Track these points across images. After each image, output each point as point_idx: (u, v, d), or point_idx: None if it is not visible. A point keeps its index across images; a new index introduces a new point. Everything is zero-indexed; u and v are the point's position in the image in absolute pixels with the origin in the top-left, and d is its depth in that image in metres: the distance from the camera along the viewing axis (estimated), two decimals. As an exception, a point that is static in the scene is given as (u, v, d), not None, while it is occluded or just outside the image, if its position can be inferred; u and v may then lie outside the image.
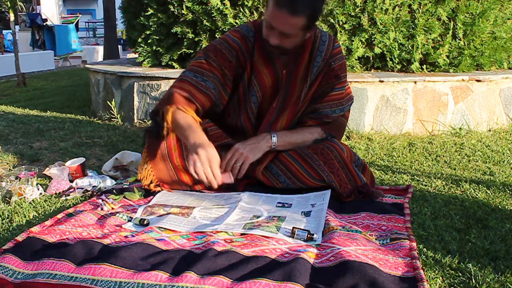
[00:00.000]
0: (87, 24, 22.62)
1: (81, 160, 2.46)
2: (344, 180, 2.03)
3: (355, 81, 3.37)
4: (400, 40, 3.59)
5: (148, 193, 2.13)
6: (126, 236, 1.67)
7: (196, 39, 3.88)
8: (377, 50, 3.61)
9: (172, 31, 3.97)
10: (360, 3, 3.54)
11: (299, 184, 2.08)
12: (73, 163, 2.43)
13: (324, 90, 2.15)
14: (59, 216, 1.87)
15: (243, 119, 2.19)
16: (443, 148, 2.97)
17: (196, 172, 1.79)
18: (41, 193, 2.19)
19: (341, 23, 3.58)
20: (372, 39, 3.59)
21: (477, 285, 1.35)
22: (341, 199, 2.02)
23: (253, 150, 2.06)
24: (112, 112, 4.04)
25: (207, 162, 1.79)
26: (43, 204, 2.08)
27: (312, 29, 2.02)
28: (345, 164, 2.04)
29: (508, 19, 3.93)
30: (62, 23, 15.31)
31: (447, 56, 3.68)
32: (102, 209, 1.94)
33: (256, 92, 2.14)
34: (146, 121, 3.82)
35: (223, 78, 2.10)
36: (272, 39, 1.96)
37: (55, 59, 11.70)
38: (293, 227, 1.66)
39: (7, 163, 2.74)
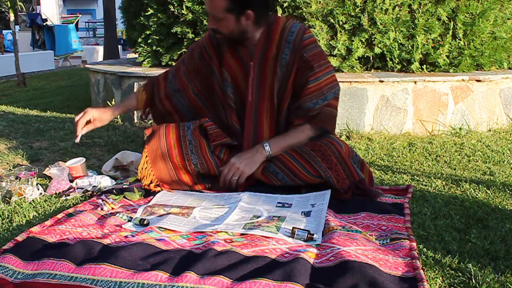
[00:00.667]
0: (87, 24, 22.61)
1: (81, 160, 2.46)
2: (342, 175, 2.02)
3: (355, 81, 3.37)
4: (400, 40, 3.59)
5: (148, 193, 2.13)
6: (126, 236, 1.67)
7: (196, 39, 3.88)
8: (377, 50, 3.61)
9: (172, 31, 3.97)
10: (360, 3, 3.54)
11: (297, 181, 2.08)
12: (73, 163, 2.43)
13: (300, 82, 2.15)
14: (59, 216, 1.87)
15: (228, 115, 2.24)
16: (443, 148, 2.97)
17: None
18: (41, 193, 2.19)
19: (341, 23, 3.58)
20: (372, 39, 3.59)
21: (477, 285, 1.35)
22: (339, 195, 2.01)
23: (249, 164, 2.10)
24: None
25: (82, 114, 2.26)
26: (43, 204, 2.08)
27: (244, 15, 2.07)
28: (343, 160, 2.04)
29: (508, 19, 3.93)
30: (62, 23, 15.31)
31: (447, 56, 3.68)
32: (102, 209, 1.94)
33: (230, 83, 2.21)
34: (146, 121, 3.82)
35: (188, 74, 2.33)
36: (208, 23, 2.15)
37: (55, 59, 11.70)
38: (293, 227, 1.66)
39: (7, 163, 2.74)
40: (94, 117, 2.29)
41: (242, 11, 2.07)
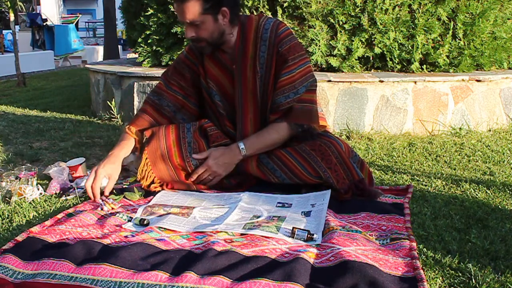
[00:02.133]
0: (87, 24, 22.61)
1: (81, 160, 2.46)
2: (341, 175, 2.02)
3: (355, 81, 3.37)
4: (400, 40, 3.59)
5: (148, 193, 2.13)
6: (126, 236, 1.67)
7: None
8: (377, 50, 3.61)
9: (172, 31, 3.97)
10: (360, 3, 3.54)
11: (295, 180, 2.08)
12: (73, 163, 2.43)
13: (278, 77, 2.14)
14: (59, 216, 1.87)
15: (221, 122, 2.25)
16: (443, 148, 2.97)
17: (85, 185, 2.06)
18: (41, 193, 2.19)
19: (341, 23, 3.58)
20: (372, 39, 3.59)
21: (477, 285, 1.35)
22: (339, 195, 2.01)
23: (225, 165, 2.12)
24: (112, 112, 4.04)
25: (93, 178, 2.04)
26: (43, 204, 2.08)
27: (220, 12, 2.06)
28: (343, 159, 2.04)
29: (508, 19, 3.93)
30: (62, 23, 15.31)
31: (447, 56, 3.68)
32: (102, 209, 1.94)
33: (216, 91, 2.21)
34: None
35: (182, 91, 2.28)
36: (186, 33, 2.10)
37: (55, 59, 11.70)
38: (293, 227, 1.66)
39: (7, 163, 2.74)
40: (109, 174, 2.08)
41: (218, 8, 2.06)
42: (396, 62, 3.66)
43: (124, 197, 2.08)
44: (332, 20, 3.58)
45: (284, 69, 2.12)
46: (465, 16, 3.66)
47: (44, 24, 12.68)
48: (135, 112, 3.87)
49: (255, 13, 3.67)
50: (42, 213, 1.99)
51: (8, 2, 7.87)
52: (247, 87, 2.16)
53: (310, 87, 2.16)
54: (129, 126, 2.25)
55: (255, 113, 2.18)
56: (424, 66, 3.70)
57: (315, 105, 2.18)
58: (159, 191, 2.14)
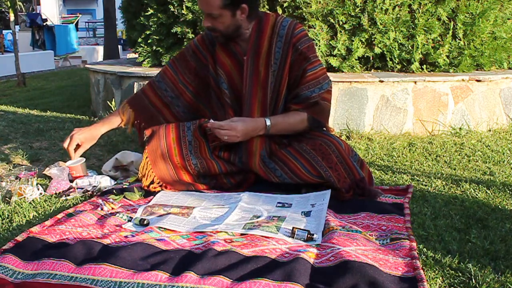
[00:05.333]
0: (87, 24, 22.60)
1: (81, 160, 2.46)
2: (342, 175, 2.03)
3: (355, 81, 3.37)
4: (400, 40, 3.59)
5: (148, 193, 2.13)
6: (126, 236, 1.67)
7: (196, 39, 3.88)
8: (377, 50, 3.61)
9: (172, 31, 3.97)
10: (360, 3, 3.53)
11: (296, 180, 2.08)
12: (73, 163, 2.42)
13: (297, 74, 2.18)
14: (59, 216, 1.87)
15: (226, 111, 2.24)
16: (443, 148, 2.97)
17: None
18: (41, 193, 2.19)
19: (341, 23, 3.58)
20: (372, 39, 3.59)
21: (477, 285, 1.35)
22: (340, 194, 2.01)
23: (246, 131, 2.10)
24: (112, 112, 4.04)
25: (68, 141, 2.29)
26: (43, 204, 2.08)
27: (239, 8, 2.10)
28: (343, 159, 2.05)
29: (508, 19, 3.93)
30: (62, 23, 15.30)
31: (447, 56, 3.68)
32: (102, 209, 1.94)
33: (224, 79, 2.23)
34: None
35: (183, 77, 2.35)
36: (204, 22, 2.16)
37: (55, 59, 11.70)
38: (293, 227, 1.66)
39: (7, 163, 2.74)
40: (81, 141, 2.32)
41: (238, 5, 2.10)
42: (396, 62, 3.66)
43: (124, 197, 2.08)
44: (332, 20, 3.58)
45: (308, 65, 2.18)
46: (465, 16, 3.66)
47: (44, 24, 12.68)
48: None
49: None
50: (42, 213, 1.99)
51: (8, 2, 7.87)
52: (257, 80, 2.18)
53: (330, 86, 2.24)
54: (125, 103, 2.40)
55: (263, 106, 2.19)
56: (424, 66, 3.70)
57: (330, 105, 2.26)
58: (159, 191, 2.14)
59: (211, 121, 2.13)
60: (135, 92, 3.86)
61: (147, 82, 2.47)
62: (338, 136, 2.30)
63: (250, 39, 2.19)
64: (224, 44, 2.23)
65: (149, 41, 4.17)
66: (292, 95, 2.20)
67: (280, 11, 3.61)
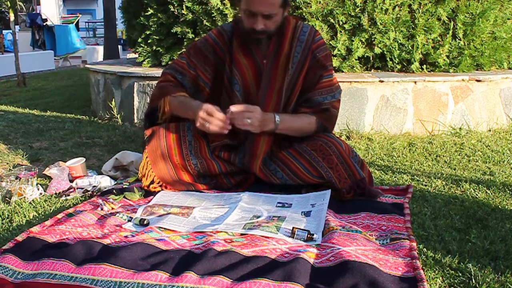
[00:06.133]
0: (87, 24, 22.60)
1: (81, 160, 2.46)
2: (343, 175, 2.03)
3: (355, 81, 3.37)
4: (400, 40, 3.59)
5: (148, 193, 2.13)
6: (126, 236, 1.67)
7: (196, 39, 3.88)
8: (377, 50, 3.61)
9: (172, 31, 3.97)
10: (360, 3, 3.53)
11: (297, 181, 2.08)
12: (73, 163, 2.43)
13: (312, 80, 2.18)
14: (59, 216, 1.87)
15: None
16: (443, 148, 2.97)
17: (204, 128, 2.00)
18: (41, 193, 2.19)
19: (341, 23, 3.58)
20: (372, 39, 3.59)
21: (477, 285, 1.35)
22: (341, 195, 2.02)
23: (263, 123, 2.05)
24: (112, 112, 4.04)
25: (207, 116, 1.98)
26: (43, 204, 2.08)
27: (288, 6, 2.11)
28: (344, 159, 2.05)
29: (508, 19, 3.93)
30: (62, 23, 15.30)
31: (447, 56, 3.68)
32: (102, 209, 1.94)
33: (238, 80, 2.19)
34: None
35: (203, 74, 2.24)
36: (257, 24, 2.06)
37: (55, 59, 11.70)
38: (293, 227, 1.66)
39: (7, 163, 2.74)
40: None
41: (288, 4, 2.12)
42: (396, 62, 3.66)
43: (124, 197, 2.08)
44: (332, 20, 3.58)
45: (324, 72, 2.19)
46: (465, 16, 3.66)
47: (44, 24, 12.68)
48: (135, 112, 3.88)
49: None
50: (42, 213, 1.99)
51: (8, 2, 7.87)
52: (274, 84, 2.17)
53: (340, 96, 2.26)
54: (166, 96, 2.18)
55: (276, 106, 2.17)
56: (424, 66, 3.70)
57: (338, 114, 2.28)
58: (159, 191, 2.14)
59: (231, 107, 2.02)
60: (135, 92, 3.87)
61: (162, 74, 2.30)
62: (338, 136, 2.31)
63: (272, 41, 2.16)
64: (244, 44, 2.18)
65: (149, 41, 4.17)
66: (303, 98, 2.20)
67: (280, 11, 3.60)
